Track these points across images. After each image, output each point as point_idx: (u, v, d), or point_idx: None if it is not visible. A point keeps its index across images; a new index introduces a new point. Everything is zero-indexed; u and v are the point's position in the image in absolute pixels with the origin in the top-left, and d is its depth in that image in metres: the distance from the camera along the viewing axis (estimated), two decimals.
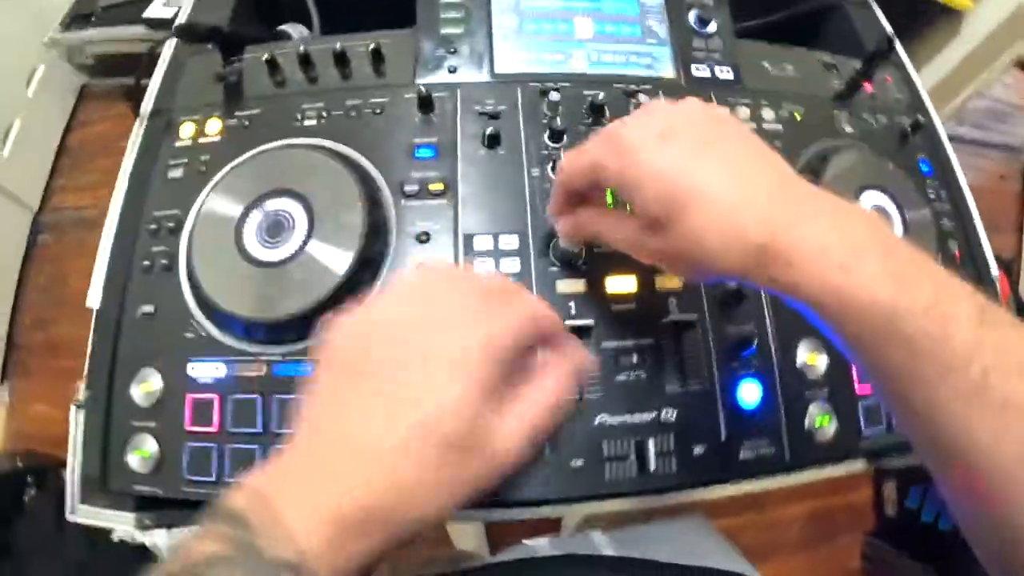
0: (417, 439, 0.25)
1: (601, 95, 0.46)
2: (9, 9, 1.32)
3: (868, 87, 0.55)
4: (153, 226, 0.43)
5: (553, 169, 0.44)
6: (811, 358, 0.44)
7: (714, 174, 0.28)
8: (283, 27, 0.55)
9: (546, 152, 0.45)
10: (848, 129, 0.53)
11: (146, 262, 0.43)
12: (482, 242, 0.42)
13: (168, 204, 0.44)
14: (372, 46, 0.47)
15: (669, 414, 0.40)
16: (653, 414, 0.39)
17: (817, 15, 0.63)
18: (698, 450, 0.40)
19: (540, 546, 0.48)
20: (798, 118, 0.52)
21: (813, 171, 0.48)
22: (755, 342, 0.41)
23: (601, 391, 0.39)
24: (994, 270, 0.53)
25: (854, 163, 0.50)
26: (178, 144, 0.46)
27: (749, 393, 0.41)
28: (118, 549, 0.51)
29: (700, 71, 0.51)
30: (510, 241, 0.42)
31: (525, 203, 0.43)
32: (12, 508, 0.75)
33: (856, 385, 0.44)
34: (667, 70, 0.50)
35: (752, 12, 0.58)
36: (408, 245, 0.42)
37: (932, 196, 0.53)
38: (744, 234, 0.27)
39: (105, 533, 0.41)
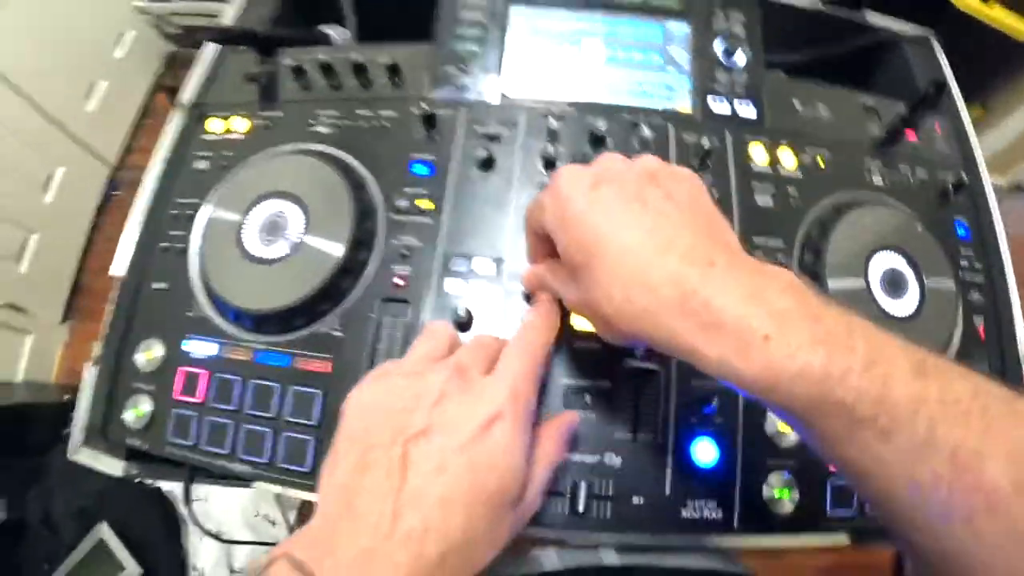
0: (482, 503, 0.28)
1: (603, 126, 0.45)
2: None
3: (911, 136, 0.50)
4: (175, 211, 0.48)
5: None
6: (783, 426, 0.42)
7: (633, 226, 0.28)
8: (324, 28, 0.58)
9: (540, 180, 0.45)
10: (878, 181, 0.49)
11: (165, 244, 0.47)
12: (458, 264, 0.43)
13: (190, 193, 0.48)
14: (390, 60, 0.49)
15: (613, 459, 0.40)
16: (596, 457, 0.40)
17: (872, 53, 0.58)
18: (636, 500, 0.39)
19: (547, 558, 0.48)
20: (821, 164, 0.49)
21: (823, 224, 0.46)
22: (715, 401, 0.40)
23: None
24: (1022, 353, 0.48)
25: (873, 220, 0.46)
26: (205, 137, 0.50)
27: (704, 452, 0.40)
28: (132, 485, 0.58)
29: (719, 106, 0.49)
30: (484, 266, 0.43)
31: (505, 228, 0.44)
32: (52, 438, 0.86)
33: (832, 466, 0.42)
34: (683, 103, 0.49)
35: (795, 46, 0.55)
36: (389, 258, 0.44)
37: (964, 264, 0.49)
38: (652, 293, 0.27)
39: None
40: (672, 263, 0.27)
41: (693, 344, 0.26)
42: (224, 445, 0.42)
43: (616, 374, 0.41)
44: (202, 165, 0.49)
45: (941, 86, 0.48)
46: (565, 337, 0.41)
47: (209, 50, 0.54)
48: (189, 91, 0.53)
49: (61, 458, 0.86)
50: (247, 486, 0.43)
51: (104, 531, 0.83)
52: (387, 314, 0.43)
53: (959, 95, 0.54)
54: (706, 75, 0.49)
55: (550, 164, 0.45)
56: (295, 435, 0.41)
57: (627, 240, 0.28)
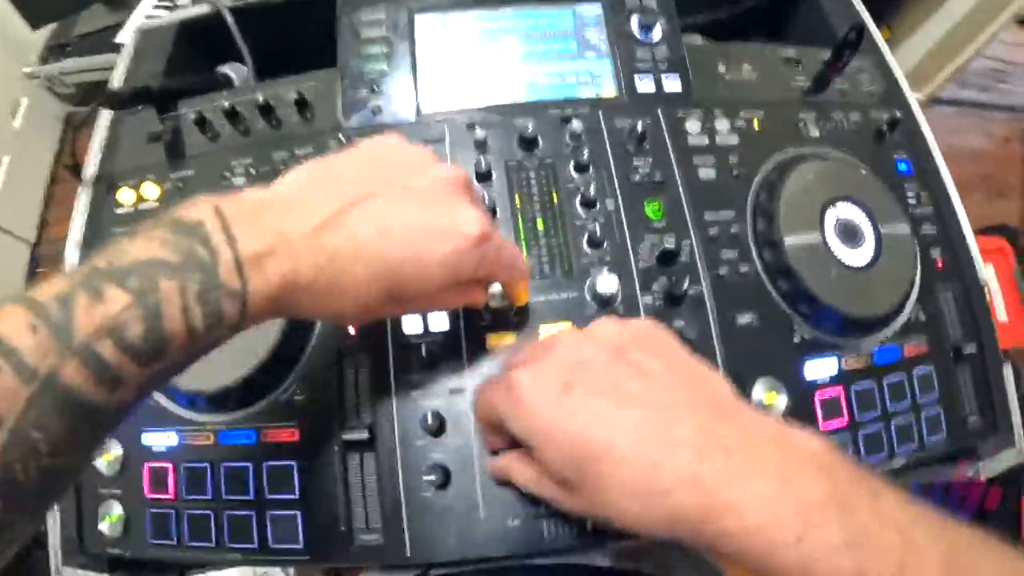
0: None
1: (530, 126, 0.44)
2: None
3: (836, 81, 0.50)
4: None
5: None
6: (769, 397, 0.42)
7: (625, 427, 0.26)
8: (222, 68, 0.54)
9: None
10: (815, 133, 0.49)
11: None
12: None
13: None
14: (295, 95, 0.46)
15: None
16: None
17: (784, 4, 0.57)
18: None
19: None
20: (757, 126, 0.48)
21: (771, 188, 0.45)
22: None
23: None
24: (981, 277, 0.49)
25: (819, 173, 0.46)
26: (119, 211, 0.47)
27: None
28: None
29: (644, 84, 0.47)
30: None
31: None
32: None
33: (820, 423, 0.42)
34: (608, 88, 0.47)
35: (705, 6, 0.53)
36: None
37: (912, 199, 0.49)
38: (668, 497, 0.25)
39: None
40: (683, 461, 0.25)
41: (723, 546, 0.25)
42: (209, 537, 0.40)
43: None
44: None
45: (861, 29, 0.47)
46: None
47: (104, 116, 0.50)
48: (91, 164, 0.49)
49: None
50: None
51: None
52: (347, 368, 0.41)
53: (877, 32, 0.54)
54: (626, 55, 0.48)
55: (483, 177, 0.43)
56: (280, 512, 0.39)
57: (624, 445, 0.26)
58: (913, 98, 0.52)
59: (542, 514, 0.38)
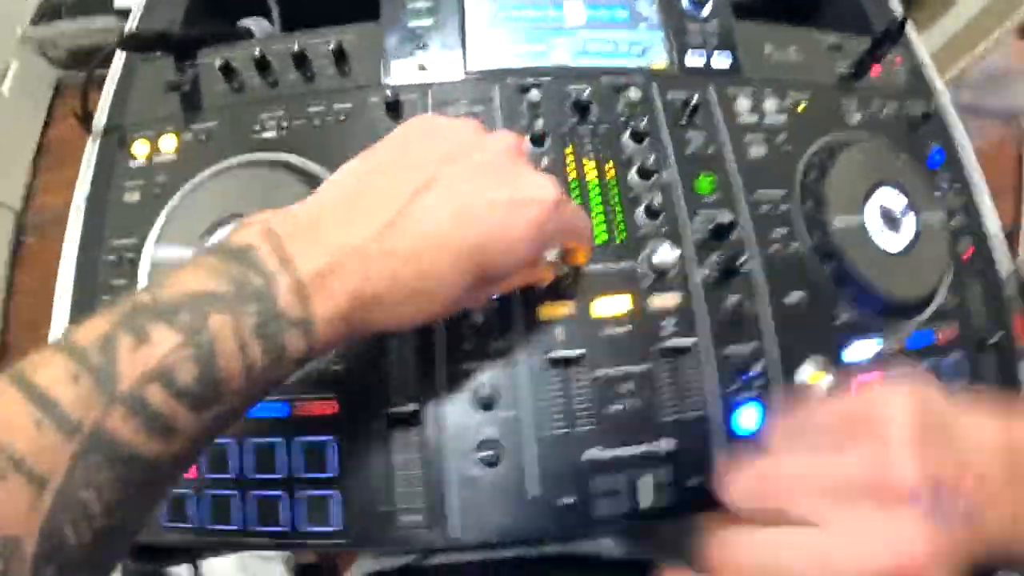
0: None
1: (587, 91, 0.42)
2: None
3: (875, 72, 0.50)
4: (113, 257, 0.41)
5: None
6: (814, 376, 0.41)
7: None
8: (244, 22, 0.50)
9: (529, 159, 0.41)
10: (856, 118, 0.49)
11: (107, 296, 0.40)
12: None
13: (127, 232, 0.41)
14: (333, 45, 0.43)
15: (663, 446, 0.37)
16: (646, 447, 0.37)
17: None
18: (692, 482, 0.37)
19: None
20: (802, 109, 0.47)
21: (821, 168, 0.45)
22: (758, 366, 0.39)
23: (591, 423, 0.37)
24: (1004, 269, 0.49)
25: (866, 157, 0.46)
26: (132, 165, 0.43)
27: (748, 418, 0.39)
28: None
29: (695, 59, 0.46)
30: None
31: None
32: None
33: None
34: (660, 59, 0.46)
35: None
36: None
37: (944, 189, 0.50)
38: None
39: None
40: None
41: None
42: (232, 521, 0.36)
43: (650, 356, 0.38)
44: (134, 197, 0.42)
45: (903, 22, 0.47)
46: (589, 328, 0.39)
47: (117, 64, 0.45)
48: (102, 114, 0.44)
49: None
50: None
51: None
52: (391, 336, 0.38)
53: (913, 28, 0.55)
54: (678, 28, 0.47)
55: (537, 141, 0.41)
56: (314, 493, 0.36)
57: None
58: (944, 90, 0.53)
59: (595, 493, 0.36)
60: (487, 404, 0.36)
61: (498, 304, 0.38)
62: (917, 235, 0.45)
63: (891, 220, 0.45)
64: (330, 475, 0.36)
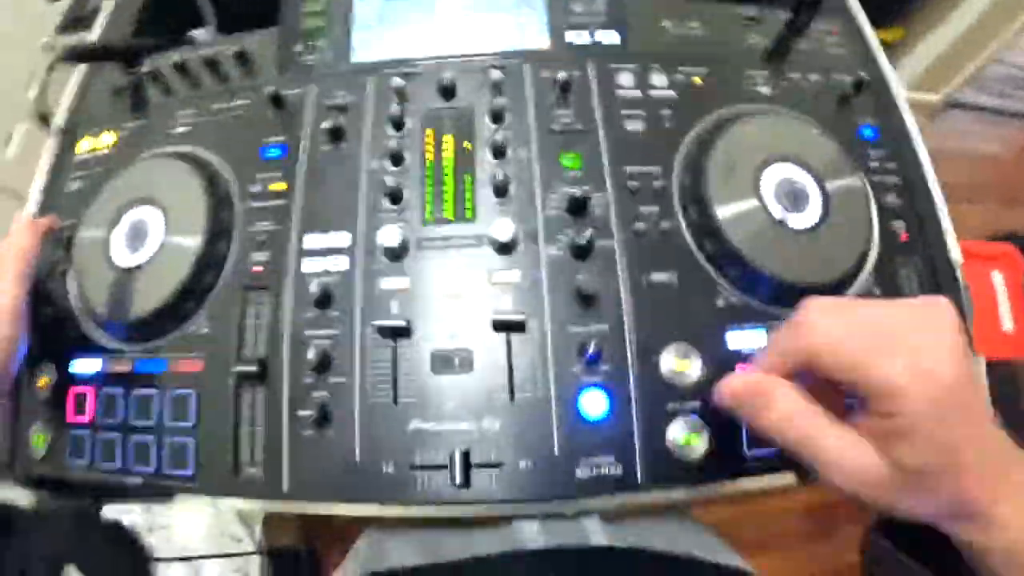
0: None
1: (447, 76, 0.43)
2: (9, 16, 1.43)
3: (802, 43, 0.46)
4: (56, 236, 0.48)
5: (393, 160, 0.42)
6: (680, 365, 0.39)
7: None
8: (193, 33, 0.57)
9: (389, 143, 0.43)
10: (766, 91, 0.46)
11: (47, 270, 0.47)
12: (313, 240, 0.42)
13: (68, 215, 0.48)
14: (236, 49, 0.47)
15: (492, 424, 0.37)
16: (473, 424, 0.37)
17: None
18: (524, 465, 0.37)
19: (528, 531, 0.44)
20: (698, 82, 0.45)
21: (703, 145, 0.42)
22: (592, 346, 0.37)
23: (416, 395, 0.38)
24: (954, 255, 0.43)
25: (758, 131, 0.43)
26: (76, 158, 0.50)
27: (592, 404, 0.38)
28: (97, 527, 0.58)
29: (578, 36, 0.46)
30: (340, 239, 0.41)
31: (358, 198, 0.42)
32: None
33: None
34: (539, 40, 0.46)
35: None
36: (247, 247, 0.43)
37: (875, 166, 0.45)
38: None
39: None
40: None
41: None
42: (115, 460, 0.41)
43: (484, 332, 0.39)
44: (76, 186, 0.49)
45: None
46: (425, 300, 0.40)
47: (77, 72, 0.54)
48: (60, 115, 0.53)
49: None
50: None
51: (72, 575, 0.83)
52: (250, 303, 0.42)
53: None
54: (562, 7, 0.47)
55: (397, 125, 0.43)
56: (176, 439, 0.40)
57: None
58: (886, 63, 0.48)
59: (416, 465, 0.37)
60: (319, 367, 0.39)
61: (343, 275, 0.40)
62: (827, 212, 0.41)
63: (793, 196, 0.42)
64: (189, 424, 0.40)
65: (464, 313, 0.39)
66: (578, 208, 0.40)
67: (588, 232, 0.38)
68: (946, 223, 0.44)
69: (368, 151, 0.43)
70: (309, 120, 0.45)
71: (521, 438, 0.37)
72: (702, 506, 0.54)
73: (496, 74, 0.43)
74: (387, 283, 0.40)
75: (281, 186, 0.43)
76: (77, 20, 1.49)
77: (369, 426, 0.38)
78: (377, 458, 0.37)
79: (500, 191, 0.41)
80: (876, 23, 0.52)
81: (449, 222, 0.41)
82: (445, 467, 0.37)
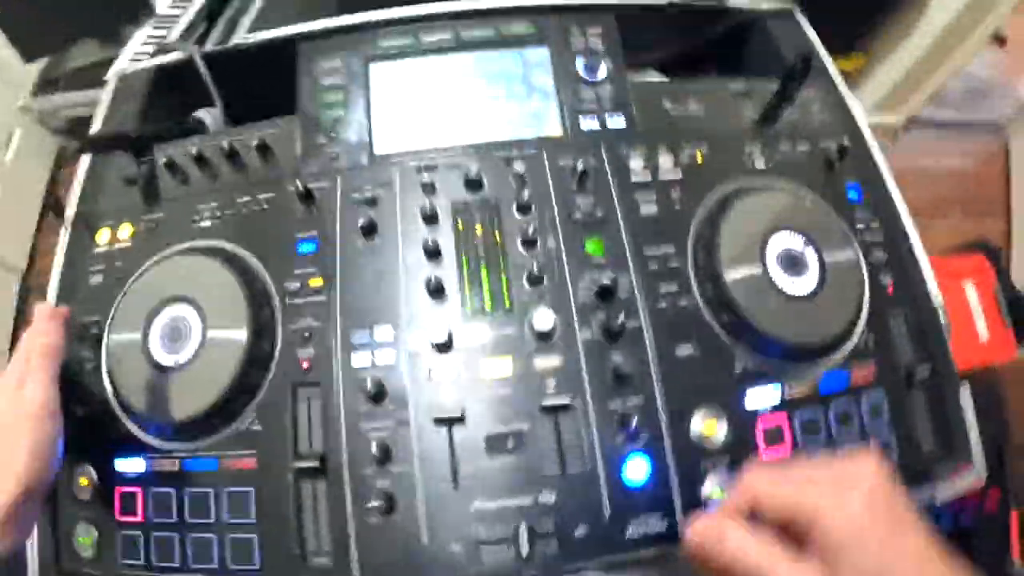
0: None
1: (474, 168, 0.46)
2: None
3: (788, 112, 0.51)
4: (79, 333, 0.48)
5: (428, 255, 0.45)
6: (708, 427, 0.43)
7: None
8: (198, 113, 0.57)
9: (422, 236, 0.45)
10: (760, 164, 0.50)
11: (75, 368, 0.47)
12: (359, 336, 0.44)
13: (91, 310, 0.48)
14: (256, 141, 0.48)
15: (547, 497, 0.41)
16: (531, 498, 0.41)
17: (740, 37, 0.58)
18: (580, 531, 0.41)
19: None
20: (700, 160, 0.49)
21: (711, 221, 0.47)
22: (634, 421, 0.41)
23: (475, 477, 0.41)
24: (935, 299, 0.49)
25: (759, 205, 0.47)
26: (96, 251, 0.50)
27: (635, 470, 0.42)
28: None
29: (588, 123, 0.49)
30: (384, 332, 0.44)
31: (399, 291, 0.44)
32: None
33: (761, 452, 0.43)
34: (552, 128, 0.49)
35: (661, 43, 0.55)
36: (291, 343, 0.44)
37: (861, 226, 0.50)
38: None
39: None
40: None
41: None
42: (174, 559, 0.43)
43: (532, 414, 0.42)
44: (97, 280, 0.49)
45: (807, 59, 0.48)
46: (474, 387, 0.42)
47: (85, 160, 0.53)
48: (72, 204, 0.52)
49: None
50: None
51: None
52: (301, 400, 0.43)
53: (829, 61, 0.55)
54: (571, 95, 0.50)
55: (430, 219, 0.46)
56: (238, 536, 0.42)
57: None
58: (865, 123, 0.54)
59: (482, 539, 0.40)
60: (381, 460, 0.41)
61: (391, 369, 0.43)
62: (824, 276, 0.46)
63: (793, 264, 0.47)
64: (251, 521, 0.42)
65: (511, 397, 0.42)
66: (607, 294, 0.44)
67: (620, 318, 0.42)
68: (927, 270, 0.49)
69: (403, 245, 0.45)
70: (338, 213, 0.47)
71: (575, 507, 0.41)
72: None
73: (519, 165, 0.46)
74: (437, 375, 0.43)
75: (318, 281, 0.45)
76: (52, 81, 1.40)
77: (434, 510, 0.41)
78: (444, 538, 0.40)
79: (534, 281, 0.44)
80: (837, 52, 0.56)
81: (489, 313, 0.44)
82: (508, 540, 0.40)
